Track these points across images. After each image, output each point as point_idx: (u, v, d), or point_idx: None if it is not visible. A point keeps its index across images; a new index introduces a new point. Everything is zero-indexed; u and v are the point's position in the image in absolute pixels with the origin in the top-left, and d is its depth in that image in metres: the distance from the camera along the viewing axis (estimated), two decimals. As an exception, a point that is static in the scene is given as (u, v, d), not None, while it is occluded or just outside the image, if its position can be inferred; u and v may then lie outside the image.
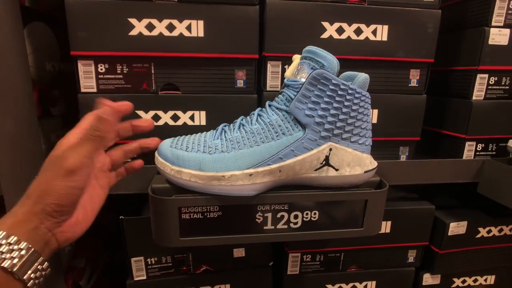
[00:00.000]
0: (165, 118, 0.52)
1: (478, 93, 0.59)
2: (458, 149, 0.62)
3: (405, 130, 0.59)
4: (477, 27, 0.57)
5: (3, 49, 0.41)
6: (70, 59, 0.48)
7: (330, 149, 0.40)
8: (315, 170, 0.41)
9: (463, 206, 0.71)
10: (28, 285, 0.27)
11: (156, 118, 0.51)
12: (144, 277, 0.59)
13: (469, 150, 0.62)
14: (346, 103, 0.39)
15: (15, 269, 0.27)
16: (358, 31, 0.52)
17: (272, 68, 0.52)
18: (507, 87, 0.60)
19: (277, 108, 0.41)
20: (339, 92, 0.38)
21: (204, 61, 0.50)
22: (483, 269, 0.72)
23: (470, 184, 0.61)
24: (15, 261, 0.27)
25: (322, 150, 0.40)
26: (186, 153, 0.39)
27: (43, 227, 0.29)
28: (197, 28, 0.48)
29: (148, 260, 0.58)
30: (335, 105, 0.39)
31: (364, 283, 0.67)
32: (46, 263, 0.29)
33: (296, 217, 0.44)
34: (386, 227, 0.63)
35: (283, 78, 0.49)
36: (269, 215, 0.43)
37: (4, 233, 0.27)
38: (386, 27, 0.53)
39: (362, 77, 0.40)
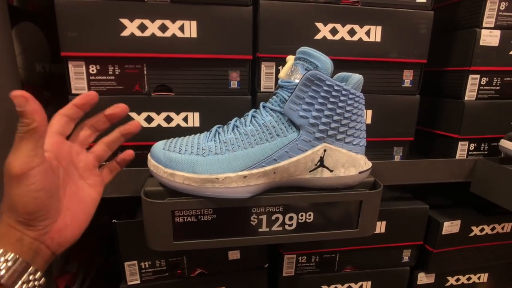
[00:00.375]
0: (158, 119, 0.51)
1: (470, 93, 0.59)
2: (451, 149, 0.63)
3: (399, 131, 0.59)
4: (468, 28, 0.58)
5: (-9, 50, 0.40)
6: (61, 60, 0.47)
7: (325, 150, 0.40)
8: (309, 172, 0.41)
9: (456, 205, 0.72)
10: None
11: (149, 120, 0.51)
12: (138, 282, 0.58)
13: (462, 150, 0.62)
14: (340, 104, 0.39)
15: (2, 280, 0.26)
16: (352, 32, 0.52)
17: (266, 69, 0.52)
18: (498, 88, 0.60)
19: (271, 109, 0.41)
20: (333, 93, 0.38)
21: (197, 62, 0.50)
22: (477, 267, 0.73)
23: (463, 183, 0.62)
24: (2, 272, 0.26)
25: (316, 151, 0.40)
26: (180, 155, 0.39)
27: (27, 238, 0.28)
28: (190, 29, 0.48)
29: (142, 264, 0.57)
30: (329, 106, 0.38)
31: (359, 284, 0.68)
32: (39, 273, 0.29)
33: (291, 218, 0.43)
34: (381, 227, 0.63)
35: (277, 79, 0.49)
36: (264, 217, 0.43)
37: None
38: (379, 28, 0.53)
39: (356, 78, 0.40)
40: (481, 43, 0.57)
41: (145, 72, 0.49)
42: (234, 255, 0.60)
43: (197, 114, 0.52)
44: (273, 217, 0.43)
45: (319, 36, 0.52)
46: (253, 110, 0.43)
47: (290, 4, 0.50)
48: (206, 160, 0.38)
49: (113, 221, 0.53)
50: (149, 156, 0.41)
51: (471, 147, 0.62)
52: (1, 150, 0.41)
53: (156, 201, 0.39)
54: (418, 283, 0.71)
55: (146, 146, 0.45)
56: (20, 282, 0.27)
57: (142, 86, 0.50)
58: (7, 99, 0.41)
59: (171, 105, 0.51)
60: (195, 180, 0.38)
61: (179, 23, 0.47)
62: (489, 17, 0.56)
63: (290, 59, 0.42)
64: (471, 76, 0.59)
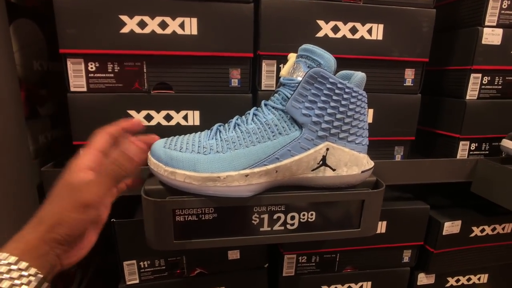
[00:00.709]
0: (158, 118, 0.50)
1: (472, 92, 0.59)
2: (452, 148, 0.63)
3: (400, 130, 0.59)
4: (470, 27, 0.58)
5: (-12, 47, 0.39)
6: (59, 58, 0.47)
7: (327, 149, 0.39)
8: (312, 170, 0.40)
9: (457, 205, 0.72)
10: None
11: (149, 118, 0.50)
12: (137, 281, 0.57)
13: (463, 150, 0.62)
14: (343, 102, 0.38)
15: None
16: (354, 30, 0.52)
17: (267, 67, 0.52)
18: (500, 87, 0.60)
19: (273, 108, 0.40)
20: (336, 91, 0.38)
21: (197, 59, 0.49)
22: (477, 268, 0.73)
23: (464, 183, 0.61)
24: (24, 287, 0.26)
25: (319, 150, 0.39)
26: (180, 153, 0.38)
27: (52, 254, 0.29)
28: (191, 26, 0.47)
29: (141, 263, 0.56)
30: (332, 104, 0.38)
31: (359, 284, 0.67)
32: (47, 286, 0.29)
33: (292, 218, 0.43)
34: (381, 227, 0.63)
35: (278, 77, 0.48)
36: (266, 216, 0.42)
37: (17, 258, 0.27)
38: (381, 26, 0.53)
39: (359, 76, 0.40)
40: (483, 42, 0.56)
41: (144, 70, 0.48)
42: (234, 255, 0.60)
43: (197, 113, 0.51)
44: (275, 217, 0.42)
45: (320, 34, 0.51)
46: (254, 108, 0.42)
47: (292, 1, 0.49)
48: (207, 159, 0.38)
49: (112, 220, 0.52)
50: (149, 155, 0.40)
51: (472, 147, 0.62)
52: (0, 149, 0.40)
53: (157, 200, 0.38)
54: (418, 283, 0.71)
55: (146, 145, 0.45)
56: None
57: (142, 83, 0.49)
58: (5, 97, 0.41)
59: (171, 103, 0.50)
60: (196, 179, 0.37)
61: (179, 20, 0.47)
62: (491, 16, 0.56)
63: (292, 56, 0.42)
64: (472, 75, 0.58)
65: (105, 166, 0.33)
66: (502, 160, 0.60)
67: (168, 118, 0.51)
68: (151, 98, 0.50)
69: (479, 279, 0.74)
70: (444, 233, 0.65)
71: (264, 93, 0.52)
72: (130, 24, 0.46)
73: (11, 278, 0.26)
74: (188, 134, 0.42)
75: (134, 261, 0.56)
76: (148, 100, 0.50)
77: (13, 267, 0.26)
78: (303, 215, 0.43)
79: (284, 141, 0.38)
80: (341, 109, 0.39)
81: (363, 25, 0.52)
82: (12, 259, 0.27)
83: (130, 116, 0.49)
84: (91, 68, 0.47)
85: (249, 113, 0.42)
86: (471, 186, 0.61)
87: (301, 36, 0.51)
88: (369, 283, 0.68)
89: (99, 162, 0.34)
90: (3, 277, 0.26)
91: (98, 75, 0.47)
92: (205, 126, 0.46)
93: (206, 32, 0.48)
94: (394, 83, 0.57)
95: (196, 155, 0.38)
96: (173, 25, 0.47)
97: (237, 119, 0.42)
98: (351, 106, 0.39)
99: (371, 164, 0.44)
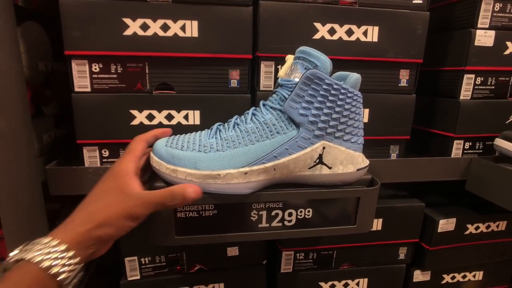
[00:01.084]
0: (160, 117, 0.52)
1: (465, 93, 0.61)
2: (447, 147, 0.64)
3: (395, 129, 0.60)
4: (463, 29, 0.59)
5: (-3, 49, 0.40)
6: (63, 59, 0.48)
7: (324, 148, 0.41)
8: (309, 168, 0.41)
9: (452, 203, 0.73)
10: None
11: (150, 117, 0.51)
12: (138, 277, 0.59)
13: (457, 149, 0.63)
14: (339, 103, 0.40)
15: (65, 282, 0.30)
16: (350, 32, 0.53)
17: (265, 68, 0.53)
18: (493, 87, 0.61)
19: (271, 108, 0.41)
20: (332, 92, 0.39)
21: (198, 61, 0.51)
22: (472, 265, 0.74)
23: (458, 181, 0.63)
24: (67, 275, 0.30)
25: (315, 149, 0.40)
26: (182, 152, 0.40)
27: (92, 248, 0.33)
28: (192, 28, 0.49)
29: (142, 259, 0.58)
30: (328, 104, 0.39)
31: (356, 280, 0.68)
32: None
33: (290, 215, 0.44)
34: (377, 224, 0.64)
35: (276, 78, 0.50)
36: (264, 213, 0.43)
37: (66, 245, 0.30)
38: (376, 28, 0.54)
39: (354, 77, 0.41)
40: (476, 43, 0.58)
41: (147, 71, 0.50)
42: (233, 251, 0.61)
43: (197, 112, 0.53)
44: (273, 213, 0.44)
45: (317, 36, 0.53)
46: (253, 108, 0.43)
47: (289, 4, 0.51)
48: (208, 157, 0.39)
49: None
50: (151, 153, 0.42)
51: (466, 146, 0.64)
52: (4, 150, 0.42)
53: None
54: (414, 280, 0.72)
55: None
56: (71, 285, 0.31)
57: (144, 84, 0.50)
58: (13, 97, 0.42)
59: (172, 103, 0.52)
60: (197, 176, 0.39)
61: (180, 22, 0.48)
62: (484, 18, 0.57)
63: (290, 58, 0.43)
64: (466, 75, 0.60)
65: (165, 196, 0.35)
66: (495, 159, 0.61)
67: (169, 117, 0.52)
68: (153, 98, 0.51)
69: (474, 276, 0.76)
70: (439, 230, 0.66)
71: (262, 94, 0.54)
72: (133, 27, 0.47)
73: (62, 265, 0.29)
74: (189, 133, 0.44)
75: (135, 258, 0.57)
76: (150, 100, 0.51)
77: (63, 254, 0.30)
78: (300, 212, 0.44)
79: (282, 140, 0.40)
80: (337, 109, 0.40)
81: (358, 27, 0.53)
82: (63, 246, 0.30)
83: (132, 115, 0.51)
84: (95, 69, 0.48)
85: (248, 113, 0.43)
86: (466, 185, 0.62)
87: (299, 38, 0.52)
88: (366, 280, 0.69)
89: (139, 168, 0.38)
90: (56, 262, 0.29)
91: (102, 76, 0.49)
92: (205, 126, 0.47)
93: (207, 34, 0.49)
94: (389, 84, 0.58)
95: (197, 153, 0.39)
96: (175, 28, 0.48)
97: (236, 119, 0.43)
98: (346, 106, 0.40)
99: (366, 162, 0.45)
